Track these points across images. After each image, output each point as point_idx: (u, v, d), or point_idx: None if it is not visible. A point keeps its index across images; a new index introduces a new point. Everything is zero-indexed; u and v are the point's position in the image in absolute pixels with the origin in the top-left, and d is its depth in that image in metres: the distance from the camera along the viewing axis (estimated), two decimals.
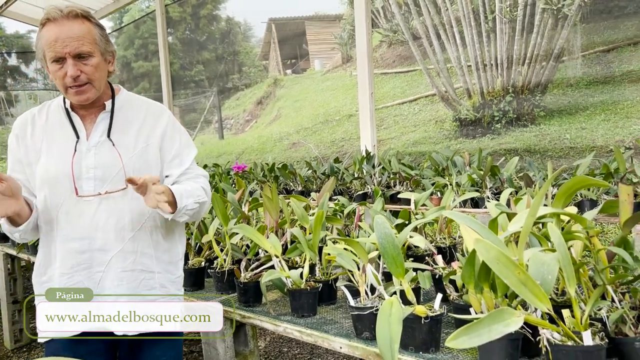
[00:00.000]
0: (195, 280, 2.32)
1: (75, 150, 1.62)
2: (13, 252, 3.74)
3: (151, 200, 1.48)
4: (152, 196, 1.47)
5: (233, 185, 3.62)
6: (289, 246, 2.06)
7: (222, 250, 2.24)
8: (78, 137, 1.64)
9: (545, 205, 1.49)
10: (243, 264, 2.09)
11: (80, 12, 1.55)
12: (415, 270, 1.70)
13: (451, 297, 1.59)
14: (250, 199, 2.69)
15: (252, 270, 2.05)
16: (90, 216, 1.61)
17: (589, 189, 2.77)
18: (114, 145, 1.64)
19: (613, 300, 1.33)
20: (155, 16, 6.86)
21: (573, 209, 1.61)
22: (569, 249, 1.43)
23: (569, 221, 1.54)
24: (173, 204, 1.55)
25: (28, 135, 1.68)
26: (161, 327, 1.59)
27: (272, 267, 1.94)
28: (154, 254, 1.69)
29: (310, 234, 2.02)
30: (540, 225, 1.63)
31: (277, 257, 1.92)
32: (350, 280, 1.74)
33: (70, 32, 1.52)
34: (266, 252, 2.04)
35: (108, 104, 1.68)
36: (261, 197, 2.49)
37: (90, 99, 1.61)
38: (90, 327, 1.60)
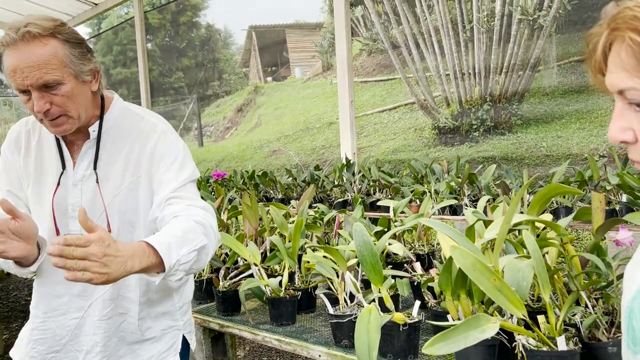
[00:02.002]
0: None
1: (59, 184, 1.37)
2: None
3: (69, 272, 0.99)
4: (73, 263, 0.99)
5: (212, 194, 3.60)
6: (268, 254, 2.06)
7: None
8: (64, 167, 1.38)
9: (521, 212, 1.52)
10: (222, 272, 2.07)
11: (38, 32, 1.22)
12: (394, 277, 1.71)
13: (429, 304, 1.60)
14: (230, 206, 2.68)
15: (230, 278, 2.04)
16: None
17: (564, 197, 2.82)
18: (97, 181, 1.36)
19: (587, 306, 1.36)
20: (134, 22, 6.81)
21: (548, 216, 1.63)
22: (544, 255, 1.45)
23: (544, 228, 1.57)
24: (159, 264, 1.12)
25: (22, 154, 1.44)
26: None
27: (251, 275, 1.94)
28: (138, 300, 1.42)
29: (289, 241, 2.02)
30: (516, 233, 1.65)
31: (256, 265, 1.91)
32: (329, 288, 1.74)
33: (29, 59, 1.21)
34: (245, 260, 2.03)
35: (92, 130, 1.37)
36: (240, 205, 2.48)
37: (69, 130, 1.32)
38: None
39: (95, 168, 1.37)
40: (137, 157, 1.37)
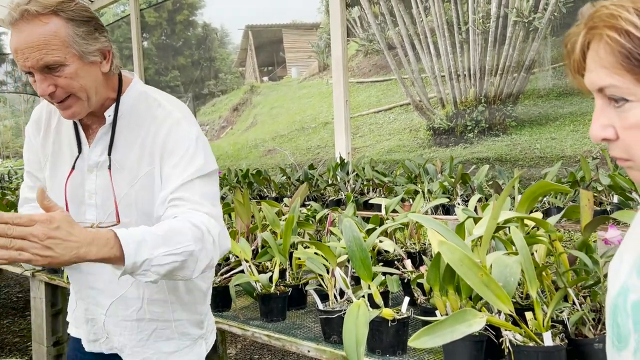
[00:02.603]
0: None
1: (73, 168, 1.31)
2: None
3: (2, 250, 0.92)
4: (7, 242, 0.92)
5: None
6: (260, 251, 2.06)
7: None
8: (79, 151, 1.32)
9: (511, 210, 1.53)
10: None
11: (37, 10, 1.14)
12: (384, 274, 1.72)
13: (419, 301, 1.60)
14: (222, 203, 2.67)
15: (221, 274, 2.04)
16: None
17: (556, 197, 2.84)
18: (109, 167, 1.28)
19: (574, 303, 1.37)
20: (130, 20, 6.80)
21: (539, 215, 1.64)
22: (533, 253, 1.46)
23: (535, 227, 1.58)
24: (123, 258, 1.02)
25: (41, 135, 1.40)
26: None
27: (242, 271, 1.94)
28: (168, 299, 1.36)
29: (281, 238, 2.02)
30: (507, 230, 1.66)
31: (247, 261, 1.91)
32: (320, 285, 1.74)
33: (30, 39, 1.14)
34: (236, 257, 2.03)
35: (107, 115, 1.30)
36: (233, 202, 2.48)
37: (79, 113, 1.25)
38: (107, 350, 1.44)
39: (109, 154, 1.29)
40: (151, 145, 1.29)
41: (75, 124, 1.34)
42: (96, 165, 1.31)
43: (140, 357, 1.37)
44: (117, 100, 1.31)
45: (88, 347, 1.45)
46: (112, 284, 1.32)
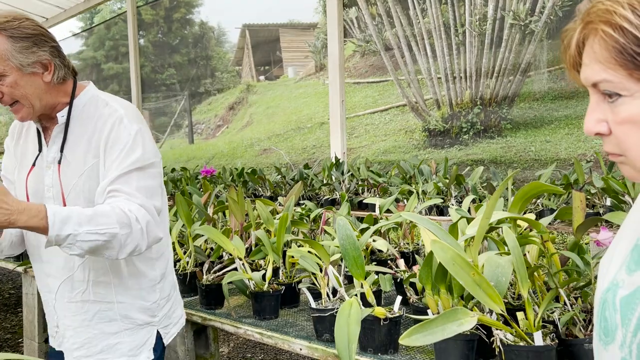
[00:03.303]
0: None
1: (34, 165, 1.48)
2: None
3: None
4: None
5: (200, 190, 3.59)
6: (253, 249, 2.06)
7: (185, 253, 2.22)
8: (40, 150, 1.49)
9: (504, 211, 1.53)
10: (206, 266, 2.07)
11: None
12: (377, 273, 1.72)
13: (411, 300, 1.61)
14: (216, 201, 2.67)
15: (214, 272, 2.04)
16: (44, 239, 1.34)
17: (549, 199, 2.85)
18: (59, 162, 1.44)
19: (565, 304, 1.37)
20: (126, 17, 6.78)
21: (532, 217, 1.65)
22: (525, 253, 1.46)
23: (528, 228, 1.59)
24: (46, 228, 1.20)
25: (14, 141, 1.58)
26: None
27: (236, 269, 1.94)
28: (112, 282, 1.46)
29: (275, 237, 2.02)
30: (499, 231, 1.66)
31: (240, 259, 1.91)
32: (313, 284, 1.74)
33: None
34: (230, 255, 2.03)
35: (61, 116, 1.45)
36: (227, 200, 2.48)
37: (27, 117, 1.42)
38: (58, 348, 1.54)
39: (62, 150, 1.45)
40: (97, 140, 1.43)
41: (38, 129, 1.50)
42: (52, 161, 1.46)
43: (84, 337, 1.47)
44: (70, 104, 1.47)
45: (52, 343, 1.57)
46: (64, 269, 1.46)
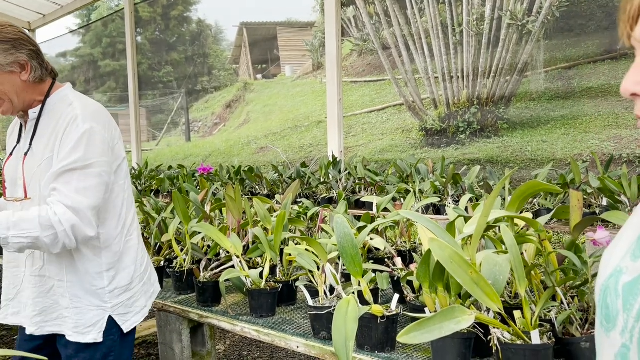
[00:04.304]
0: None
1: (10, 155, 1.70)
2: None
3: None
4: None
5: (197, 187, 3.58)
6: (250, 247, 2.05)
7: (182, 250, 2.22)
8: (18, 142, 1.70)
9: (501, 210, 1.53)
10: (203, 263, 2.07)
11: None
12: (374, 271, 1.72)
13: (408, 298, 1.61)
14: (213, 199, 2.67)
15: (211, 270, 2.03)
16: None
17: (546, 198, 2.86)
18: (26, 153, 1.62)
19: (562, 303, 1.38)
20: (124, 15, 6.76)
21: (529, 216, 1.65)
22: (523, 252, 1.47)
23: (525, 227, 1.59)
24: None
25: (8, 134, 1.80)
26: (70, 337, 1.61)
27: (233, 267, 1.93)
28: (63, 262, 1.61)
29: (272, 234, 2.02)
30: (497, 230, 1.67)
31: (237, 256, 1.91)
32: (311, 281, 1.74)
33: None
34: (227, 252, 2.03)
35: (33, 112, 1.64)
36: (224, 198, 2.47)
37: (7, 111, 1.60)
38: (11, 322, 1.71)
39: (30, 143, 1.62)
40: (55, 136, 1.57)
41: (21, 122, 1.70)
42: (25, 151, 1.63)
43: (42, 306, 1.63)
44: (43, 102, 1.64)
45: (8, 320, 1.72)
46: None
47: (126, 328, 1.67)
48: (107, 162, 1.58)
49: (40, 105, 1.63)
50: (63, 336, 1.64)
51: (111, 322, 1.64)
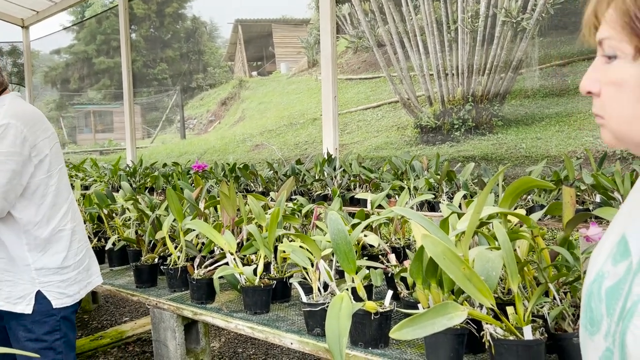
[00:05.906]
0: (147, 277, 2.28)
1: None
2: None
3: None
4: None
5: (192, 185, 3.57)
6: (245, 244, 2.05)
7: (176, 247, 2.21)
8: None
9: (495, 206, 1.54)
10: (197, 260, 2.06)
11: None
12: (368, 268, 1.72)
13: (402, 295, 1.61)
14: (208, 196, 2.66)
15: (205, 267, 2.03)
16: None
17: (539, 195, 2.87)
18: None
19: (555, 298, 1.38)
20: (118, 12, 6.73)
21: (522, 212, 1.66)
22: (515, 248, 1.47)
23: (518, 224, 1.59)
24: None
25: None
26: (2, 307, 1.82)
27: (227, 264, 1.93)
28: None
29: (266, 231, 2.02)
30: (490, 226, 1.67)
31: (231, 253, 1.90)
32: (305, 278, 1.74)
33: None
34: (221, 249, 2.02)
35: None
36: (219, 195, 2.47)
37: None
38: None
39: None
40: None
41: None
42: None
43: None
44: None
45: None
46: None
47: (56, 304, 1.84)
48: (16, 153, 1.74)
49: None
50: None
51: (42, 297, 1.82)
